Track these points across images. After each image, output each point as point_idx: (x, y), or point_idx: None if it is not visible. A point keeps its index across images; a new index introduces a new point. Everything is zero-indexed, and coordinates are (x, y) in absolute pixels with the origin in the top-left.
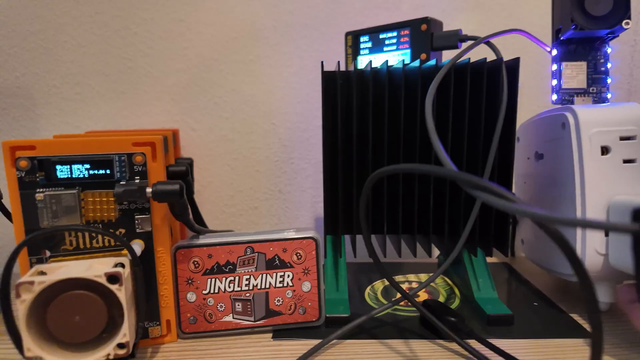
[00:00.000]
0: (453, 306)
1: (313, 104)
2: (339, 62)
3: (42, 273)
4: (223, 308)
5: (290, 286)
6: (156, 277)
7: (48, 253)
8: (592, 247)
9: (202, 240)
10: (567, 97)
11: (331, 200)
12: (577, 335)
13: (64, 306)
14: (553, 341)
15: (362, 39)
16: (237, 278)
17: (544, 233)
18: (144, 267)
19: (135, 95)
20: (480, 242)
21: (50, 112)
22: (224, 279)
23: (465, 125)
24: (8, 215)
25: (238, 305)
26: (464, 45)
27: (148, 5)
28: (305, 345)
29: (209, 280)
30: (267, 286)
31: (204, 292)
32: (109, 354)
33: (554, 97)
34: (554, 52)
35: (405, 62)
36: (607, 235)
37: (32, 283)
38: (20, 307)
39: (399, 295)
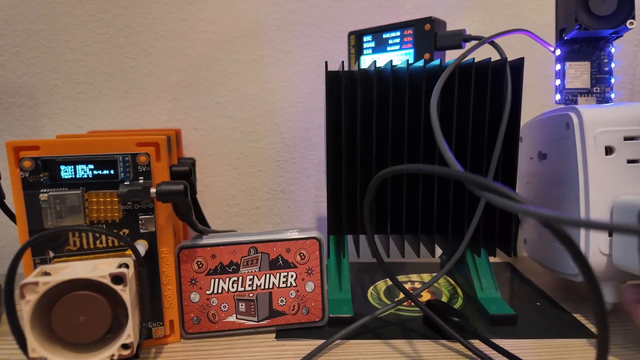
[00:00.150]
0: (456, 306)
1: (316, 104)
2: (342, 62)
3: (47, 274)
4: (226, 308)
5: (294, 286)
6: (160, 277)
7: (52, 254)
8: (595, 247)
9: (206, 240)
10: (570, 97)
11: (334, 200)
12: (581, 335)
13: (69, 307)
14: (557, 341)
15: (365, 39)
16: (240, 278)
17: (549, 233)
18: (147, 268)
19: (138, 94)
20: (484, 242)
21: (53, 112)
22: (227, 279)
23: (469, 125)
24: (12, 216)
25: (241, 305)
26: (468, 45)
27: (151, 5)
28: (308, 345)
29: (213, 280)
30: (271, 286)
31: (208, 292)
32: (113, 355)
33: (558, 97)
34: (558, 51)
35: (410, 62)
36: (610, 235)
37: (36, 284)
38: (25, 308)
39: (402, 295)
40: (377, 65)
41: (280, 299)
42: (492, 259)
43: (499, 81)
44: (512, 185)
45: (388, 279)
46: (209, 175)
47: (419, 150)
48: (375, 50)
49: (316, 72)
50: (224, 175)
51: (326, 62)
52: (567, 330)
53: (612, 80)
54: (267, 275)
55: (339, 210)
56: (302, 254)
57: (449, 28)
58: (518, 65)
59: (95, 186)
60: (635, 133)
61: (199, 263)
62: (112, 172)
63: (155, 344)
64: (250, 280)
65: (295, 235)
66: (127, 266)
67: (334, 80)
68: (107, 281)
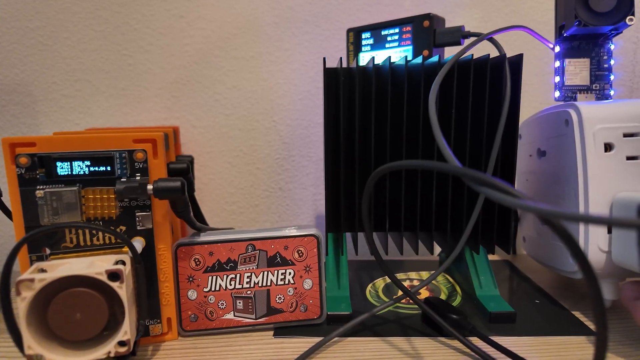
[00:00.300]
0: (455, 304)
1: (314, 101)
2: (341, 58)
3: (43, 270)
4: (224, 306)
5: (292, 284)
6: (157, 274)
7: (48, 250)
8: (595, 244)
9: (203, 237)
10: (570, 94)
11: (333, 197)
12: (580, 333)
13: (65, 304)
14: (556, 338)
15: (364, 36)
16: (238, 275)
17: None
18: (145, 265)
19: (136, 92)
20: (483, 239)
21: (50, 109)
22: (225, 276)
23: (468, 121)
24: (8, 212)
25: (239, 302)
26: (467, 41)
27: (149, 2)
28: (306, 343)
29: (210, 277)
30: (269, 284)
31: (205, 289)
32: (109, 352)
33: (557, 94)
34: (557, 48)
35: (408, 59)
36: (610, 232)
37: (32, 280)
38: (21, 305)
39: (400, 292)
40: (376, 62)
41: (278, 297)
42: (491, 257)
43: (498, 78)
44: (510, 182)
45: (387, 276)
46: (208, 173)
47: (417, 147)
48: (373, 47)
49: (315, 70)
50: (223, 173)
51: (324, 59)
52: (566, 328)
53: (612, 77)
54: (265, 273)
55: (337, 208)
56: (300, 251)
57: (448, 25)
58: (517, 62)
59: (92, 183)
60: (635, 130)
61: (196, 260)
62: (108, 168)
63: (153, 342)
64: (248, 277)
65: (293, 232)
66: (123, 263)
67: (332, 77)
68: (104, 278)
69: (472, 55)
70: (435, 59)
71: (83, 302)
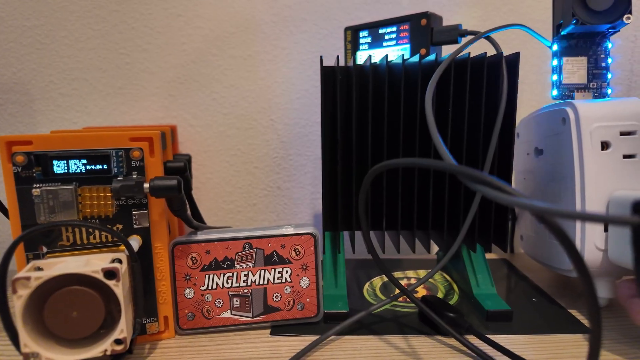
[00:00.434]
0: (452, 302)
1: (312, 100)
2: (337, 56)
3: (39, 269)
4: (221, 304)
5: (289, 282)
6: (154, 273)
7: (45, 249)
8: (591, 242)
9: (200, 236)
10: (567, 92)
11: (330, 196)
12: (576, 331)
13: (61, 302)
14: (552, 336)
15: (361, 34)
16: (235, 274)
17: (544, 227)
18: (141, 263)
19: (133, 90)
20: (480, 237)
21: (48, 108)
22: (222, 275)
23: (465, 120)
24: (4, 211)
25: (236, 301)
26: (464, 40)
27: (146, 0)
28: (303, 341)
29: (207, 276)
30: (266, 282)
31: (202, 288)
32: (106, 350)
33: (555, 92)
34: (555, 47)
35: (405, 57)
36: (606, 230)
37: (28, 279)
38: (17, 303)
39: (397, 291)
40: (373, 60)
41: (275, 295)
42: (489, 256)
43: (495, 76)
44: (507, 180)
45: (384, 275)
46: (205, 172)
47: (414, 145)
48: (371, 45)
49: (312, 69)
50: (220, 172)
51: (321, 57)
52: (562, 326)
53: (609, 76)
54: (262, 271)
55: (335, 207)
56: (297, 250)
57: (447, 23)
58: (514, 60)
59: (89, 181)
60: (631, 128)
61: (193, 259)
62: (105, 167)
63: (150, 340)
64: (244, 276)
65: (290, 231)
66: (120, 261)
67: (329, 75)
68: (100, 276)
69: (469, 53)
70: (432, 57)
71: (79, 301)
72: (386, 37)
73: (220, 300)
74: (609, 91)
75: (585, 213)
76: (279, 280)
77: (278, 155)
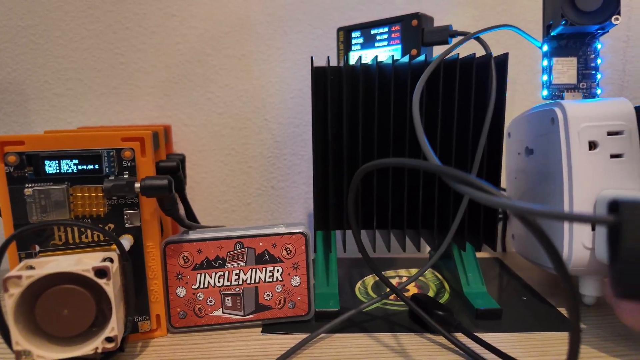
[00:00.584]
0: (442, 300)
1: (306, 100)
2: (328, 57)
3: (31, 267)
4: (213, 303)
5: (280, 281)
6: (146, 272)
7: (37, 248)
8: (579, 242)
9: (192, 235)
10: (557, 92)
11: (321, 195)
12: (564, 329)
13: (52, 300)
14: (540, 334)
15: (354, 35)
16: (226, 273)
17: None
18: (133, 262)
19: (128, 90)
20: (469, 236)
21: (42, 108)
22: (213, 273)
23: (454, 120)
24: None
25: (228, 299)
26: (455, 40)
27: (141, 0)
28: (294, 339)
29: (199, 275)
30: (257, 281)
31: (194, 287)
32: (97, 348)
33: (545, 92)
34: (545, 47)
35: (395, 58)
36: (594, 229)
37: (20, 277)
38: (9, 302)
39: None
40: (363, 61)
41: (266, 294)
42: (481, 255)
43: (485, 76)
44: (496, 179)
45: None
46: (200, 172)
47: (404, 145)
48: (363, 46)
49: (307, 68)
50: (215, 172)
51: (312, 58)
52: (551, 324)
53: (599, 76)
54: (253, 270)
55: (326, 206)
56: (288, 249)
57: (440, 24)
58: (503, 61)
59: (80, 181)
60: (619, 128)
61: (185, 258)
62: (96, 167)
63: (142, 338)
64: (236, 274)
65: (281, 230)
66: (111, 260)
67: (320, 76)
68: (91, 275)
69: (458, 54)
70: (421, 58)
71: (70, 299)
72: (378, 37)
73: (212, 299)
74: (599, 91)
75: (562, 212)
76: (270, 279)
77: (272, 155)
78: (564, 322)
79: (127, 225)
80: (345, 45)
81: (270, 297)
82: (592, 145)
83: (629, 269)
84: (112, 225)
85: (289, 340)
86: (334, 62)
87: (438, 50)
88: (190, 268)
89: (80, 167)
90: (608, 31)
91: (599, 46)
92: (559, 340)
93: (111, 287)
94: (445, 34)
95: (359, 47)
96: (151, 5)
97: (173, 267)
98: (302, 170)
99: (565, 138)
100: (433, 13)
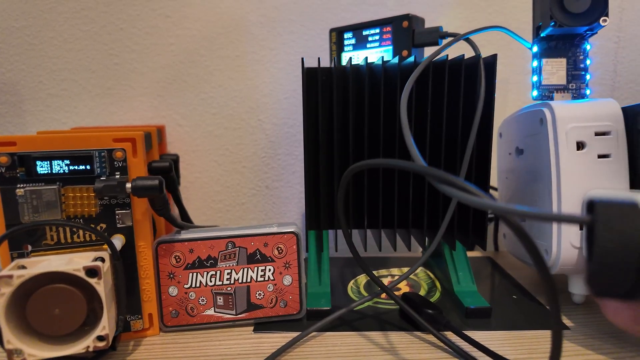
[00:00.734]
0: (433, 299)
1: (300, 100)
2: (319, 58)
3: (22, 267)
4: (205, 302)
5: (272, 280)
6: (138, 271)
7: (30, 248)
8: (567, 241)
9: (184, 235)
10: (547, 93)
11: (313, 195)
12: (552, 327)
13: (44, 299)
14: (529, 332)
15: (346, 36)
16: (218, 272)
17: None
18: (125, 262)
19: (122, 91)
20: (459, 236)
21: (37, 109)
22: (205, 273)
23: (443, 121)
24: None
25: (219, 299)
26: (445, 42)
27: (134, 2)
28: (285, 337)
29: (191, 274)
30: (249, 280)
31: (186, 286)
32: (88, 346)
33: (535, 93)
34: (535, 48)
35: (385, 59)
36: (581, 229)
37: (11, 277)
38: (0, 301)
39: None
40: (354, 62)
41: (258, 293)
42: (473, 254)
43: (474, 77)
44: (485, 179)
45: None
46: (194, 172)
47: (394, 145)
48: (355, 47)
49: (300, 69)
50: (209, 172)
51: (302, 59)
52: (540, 322)
53: (588, 77)
54: (245, 270)
55: (317, 206)
56: (279, 248)
57: (432, 25)
58: (492, 62)
59: (72, 181)
60: (606, 128)
61: (176, 257)
62: (88, 167)
63: (134, 337)
64: (228, 274)
65: (273, 229)
66: (102, 260)
67: (311, 76)
68: (81, 274)
69: (447, 55)
70: (411, 59)
71: (61, 298)
72: (370, 38)
73: (204, 298)
74: (588, 92)
75: (538, 212)
76: (262, 278)
77: (266, 155)
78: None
79: (118, 225)
80: (337, 46)
81: (262, 296)
82: (580, 146)
83: (603, 267)
84: (103, 225)
85: (280, 339)
86: (325, 63)
87: (429, 52)
88: (182, 267)
89: (71, 167)
90: (597, 32)
91: (588, 47)
92: (547, 337)
93: (102, 287)
94: (436, 35)
95: (351, 48)
96: (145, 7)
97: (165, 267)
98: (296, 170)
99: (553, 138)
100: (426, 14)
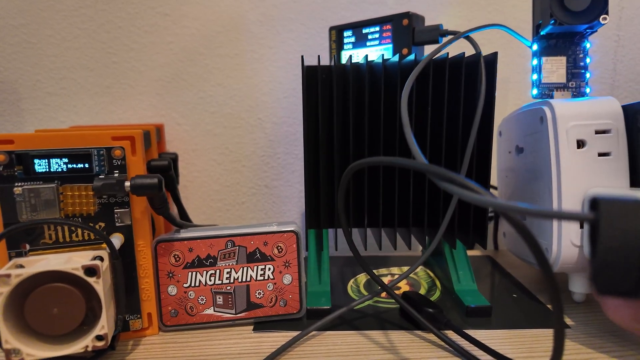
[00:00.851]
0: (434, 298)
1: (299, 99)
2: (319, 56)
3: (20, 266)
4: (204, 301)
5: (271, 279)
6: (137, 270)
7: (28, 247)
8: (567, 239)
9: (183, 234)
10: (547, 91)
11: (313, 194)
12: (552, 325)
13: (42, 299)
14: (529, 331)
15: (345, 34)
16: (217, 271)
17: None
18: (124, 261)
19: (121, 89)
20: (460, 234)
21: (35, 107)
22: (204, 272)
23: (444, 119)
24: None
25: (219, 298)
26: (445, 40)
27: (133, 0)
28: (285, 337)
29: (190, 273)
30: (248, 279)
31: (185, 285)
32: (87, 346)
33: (535, 91)
34: (535, 46)
35: (385, 57)
36: (582, 227)
37: (8, 276)
38: None
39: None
40: (354, 60)
41: (257, 292)
42: (473, 253)
43: (475, 75)
44: (486, 177)
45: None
46: (193, 171)
47: (395, 143)
48: (355, 45)
49: (299, 68)
50: (208, 171)
51: (302, 57)
52: (540, 321)
53: (588, 75)
54: (245, 269)
55: (317, 205)
56: (279, 247)
57: (431, 23)
58: (492, 60)
59: (70, 180)
60: (606, 127)
61: (176, 256)
62: (86, 165)
63: (134, 336)
64: (227, 273)
65: (272, 228)
66: (101, 259)
67: (311, 75)
68: (80, 273)
69: (448, 53)
70: (411, 57)
71: (60, 297)
72: (369, 37)
73: (203, 297)
74: (588, 90)
75: (541, 210)
76: (262, 277)
77: (266, 154)
78: (552, 319)
79: (117, 224)
80: (337, 44)
81: (261, 296)
82: (580, 144)
83: (606, 265)
84: (102, 224)
85: (280, 338)
86: (325, 62)
87: (429, 50)
88: (181, 267)
89: (70, 166)
90: (596, 30)
91: (588, 45)
92: (547, 336)
93: (101, 286)
94: (436, 34)
95: (350, 46)
96: (144, 5)
97: (164, 266)
98: (296, 169)
99: (553, 137)
100: (426, 12)
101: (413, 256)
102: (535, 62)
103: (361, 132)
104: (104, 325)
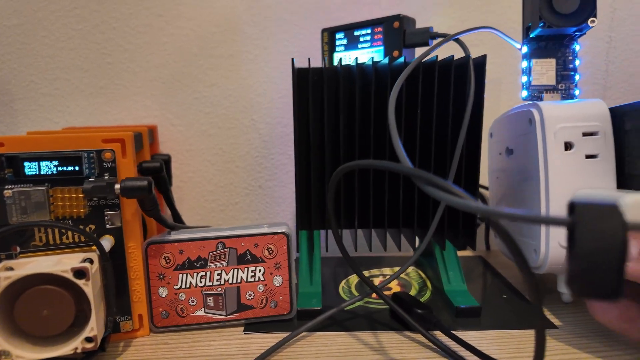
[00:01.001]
0: (424, 299)
1: None
2: (309, 59)
3: (10, 268)
4: (195, 303)
5: (262, 280)
6: (128, 272)
7: (18, 249)
8: (555, 240)
9: (174, 236)
10: (536, 93)
11: (304, 195)
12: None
13: (31, 301)
14: (517, 332)
15: (337, 36)
16: (208, 273)
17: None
18: (115, 263)
19: (115, 90)
20: (449, 235)
21: (29, 108)
22: (195, 274)
23: (433, 121)
24: None
25: (210, 299)
26: (435, 42)
27: (127, 0)
28: (276, 337)
29: (181, 275)
30: (239, 281)
31: (176, 287)
32: (76, 348)
33: (524, 93)
34: (524, 49)
35: (375, 60)
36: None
37: None
38: None
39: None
40: (345, 62)
41: (248, 293)
42: (465, 253)
43: (464, 78)
44: (475, 179)
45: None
46: (187, 171)
47: (385, 145)
48: (347, 47)
49: None
50: (202, 171)
51: (292, 59)
52: (529, 321)
53: (577, 77)
54: (235, 270)
55: (308, 206)
56: (270, 249)
57: (426, 25)
58: (481, 62)
59: (60, 182)
60: (594, 129)
61: (166, 258)
62: (77, 168)
63: (124, 338)
64: (218, 275)
65: (263, 230)
66: (91, 261)
67: (302, 77)
68: (69, 275)
69: (437, 56)
70: (401, 60)
71: (49, 300)
72: (361, 39)
73: (194, 299)
74: (577, 92)
75: (519, 214)
76: (252, 279)
77: (260, 155)
78: (541, 319)
79: (108, 226)
80: (329, 46)
81: (252, 297)
82: (568, 146)
83: (583, 269)
84: (92, 226)
85: (270, 339)
86: (316, 63)
87: (420, 52)
88: (172, 268)
89: (60, 168)
90: (585, 33)
91: (577, 48)
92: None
93: (90, 288)
94: (426, 36)
95: (342, 48)
96: (138, 5)
97: (155, 268)
98: (290, 169)
99: (542, 138)
100: (420, 14)
101: (406, 257)
102: (525, 64)
103: (352, 133)
104: (94, 327)
